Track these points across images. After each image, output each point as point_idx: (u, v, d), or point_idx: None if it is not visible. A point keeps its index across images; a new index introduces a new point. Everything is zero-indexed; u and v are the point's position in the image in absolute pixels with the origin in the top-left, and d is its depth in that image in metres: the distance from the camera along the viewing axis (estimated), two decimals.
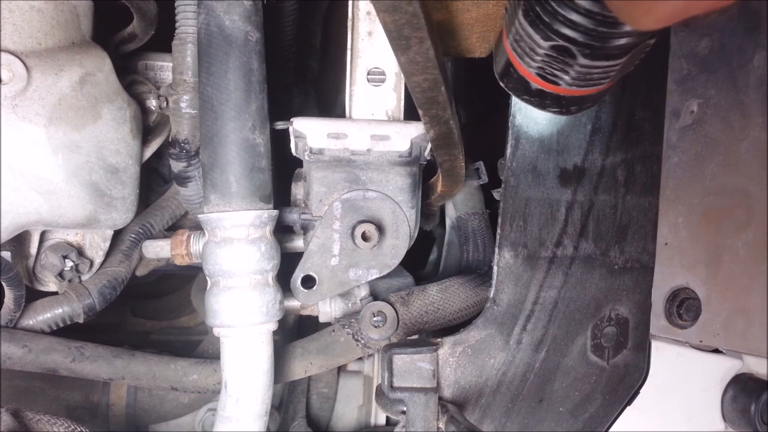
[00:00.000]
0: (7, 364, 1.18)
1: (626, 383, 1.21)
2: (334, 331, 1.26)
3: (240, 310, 1.09)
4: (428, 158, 1.18)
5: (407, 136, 1.14)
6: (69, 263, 1.24)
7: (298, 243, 1.24)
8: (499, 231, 1.17)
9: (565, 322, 1.20)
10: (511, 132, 1.16)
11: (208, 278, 1.12)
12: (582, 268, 1.20)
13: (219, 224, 1.08)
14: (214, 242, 1.09)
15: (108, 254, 1.31)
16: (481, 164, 1.42)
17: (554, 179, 1.18)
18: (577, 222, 1.19)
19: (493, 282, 1.18)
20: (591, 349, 1.21)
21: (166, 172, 1.46)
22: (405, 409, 1.09)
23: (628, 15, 0.60)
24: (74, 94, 1.10)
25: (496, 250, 1.17)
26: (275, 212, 1.12)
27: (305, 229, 1.20)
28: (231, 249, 1.08)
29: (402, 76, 1.15)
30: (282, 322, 1.17)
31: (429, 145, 1.12)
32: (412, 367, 1.10)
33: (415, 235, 1.21)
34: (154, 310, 1.88)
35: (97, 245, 1.29)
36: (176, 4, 1.16)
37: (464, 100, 1.63)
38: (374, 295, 1.29)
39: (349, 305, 1.28)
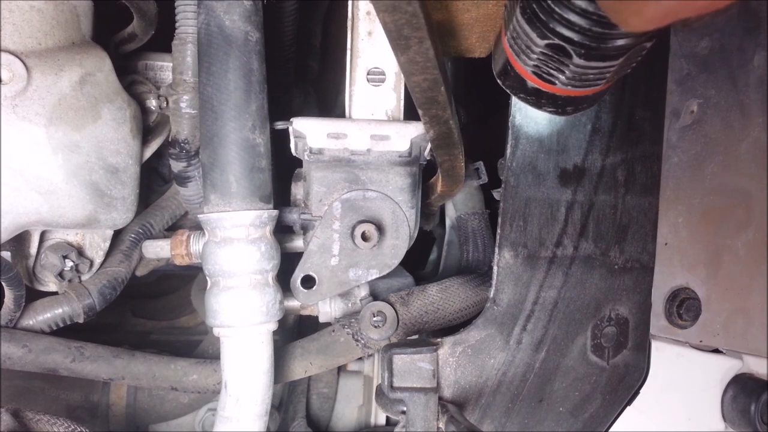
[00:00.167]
0: (7, 364, 1.18)
1: (626, 383, 1.21)
2: (334, 331, 1.26)
3: (240, 310, 1.09)
4: (428, 158, 1.18)
5: (407, 136, 1.14)
6: (69, 263, 1.24)
7: (298, 243, 1.24)
8: (499, 231, 1.17)
9: (565, 322, 1.20)
10: (511, 132, 1.16)
11: (208, 278, 1.12)
12: (582, 268, 1.20)
13: (219, 224, 1.08)
14: (214, 242, 1.09)
15: (108, 254, 1.31)
16: (481, 164, 1.42)
17: (554, 179, 1.18)
18: (577, 222, 1.19)
19: (493, 282, 1.18)
20: (591, 349, 1.21)
21: (166, 172, 1.46)
22: (405, 409, 1.09)
23: (618, 16, 0.60)
24: (74, 94, 1.10)
25: (496, 250, 1.17)
26: (275, 212, 1.12)
27: (305, 229, 1.20)
28: (231, 249, 1.08)
29: (402, 75, 1.15)
30: (282, 322, 1.17)
31: (429, 145, 1.12)
32: (412, 367, 1.10)
33: (415, 235, 1.21)
34: (154, 310, 1.88)
35: (97, 245, 1.29)
36: (176, 4, 1.16)
37: (464, 100, 1.63)
38: (374, 295, 1.29)
39: (349, 305, 1.28)
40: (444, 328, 1.28)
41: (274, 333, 1.14)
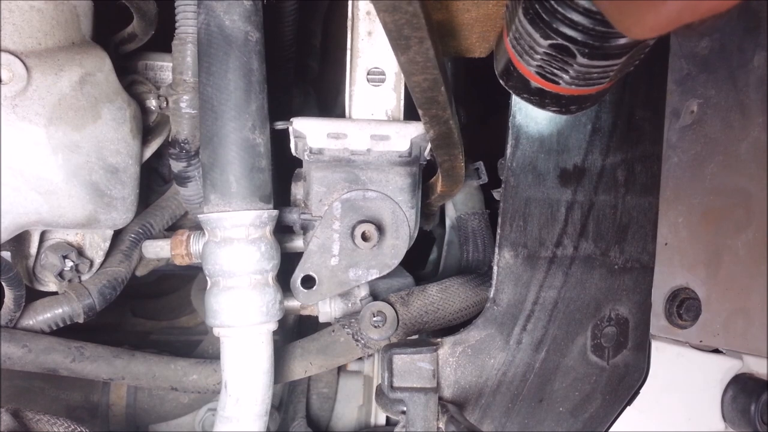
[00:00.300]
0: (7, 364, 1.18)
1: (626, 383, 1.21)
2: (333, 331, 1.26)
3: (240, 310, 1.08)
4: (428, 158, 1.18)
5: (407, 136, 1.14)
6: (69, 263, 1.24)
7: (298, 243, 1.24)
8: (499, 231, 1.17)
9: (565, 322, 1.20)
10: (511, 132, 1.16)
11: (208, 278, 1.12)
12: (582, 268, 1.20)
13: (219, 224, 1.08)
14: (214, 242, 1.09)
15: (108, 254, 1.31)
16: (481, 164, 1.42)
17: (554, 179, 1.18)
18: (577, 222, 1.19)
19: (493, 282, 1.18)
20: (591, 349, 1.21)
21: (166, 172, 1.46)
22: (405, 409, 1.09)
23: (621, 24, 0.60)
24: (74, 94, 1.10)
25: (496, 250, 1.17)
26: (275, 212, 1.12)
27: (305, 229, 1.20)
28: (231, 249, 1.08)
29: (402, 75, 1.15)
30: (282, 322, 1.17)
31: (429, 145, 1.12)
32: (412, 367, 1.10)
33: (415, 235, 1.21)
34: (154, 310, 1.88)
35: (97, 245, 1.29)
36: (176, 4, 1.16)
37: (464, 100, 1.63)
38: (374, 295, 1.29)
39: (349, 305, 1.28)
40: (444, 328, 1.28)
41: (274, 333, 1.14)
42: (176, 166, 1.26)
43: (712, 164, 1.03)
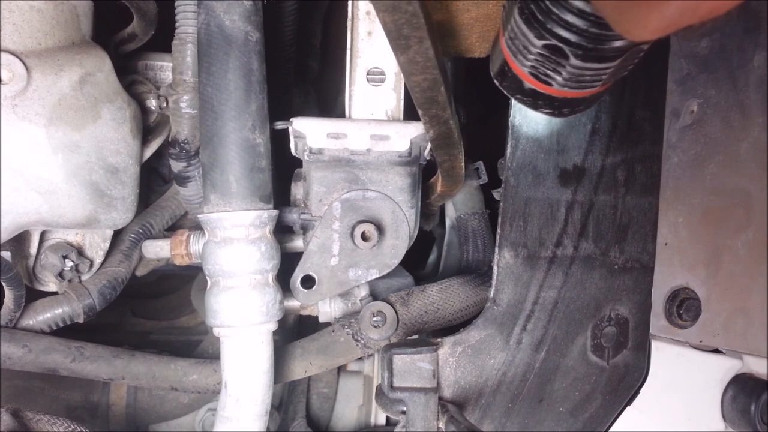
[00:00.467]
0: (7, 364, 1.18)
1: (626, 383, 1.21)
2: (333, 331, 1.26)
3: (240, 310, 1.08)
4: (428, 158, 1.18)
5: (407, 136, 1.14)
6: (69, 263, 1.24)
7: (297, 243, 1.24)
8: (499, 231, 1.17)
9: (565, 322, 1.20)
10: (511, 132, 1.16)
11: (208, 278, 1.12)
12: (582, 268, 1.20)
13: (219, 224, 1.08)
14: (214, 242, 1.09)
15: (108, 254, 1.31)
16: (480, 164, 1.42)
17: (554, 179, 1.18)
18: (577, 222, 1.19)
19: (493, 282, 1.18)
20: (591, 349, 1.21)
21: (166, 172, 1.46)
22: (405, 409, 1.09)
23: (621, 26, 0.59)
24: (74, 94, 1.10)
25: (496, 250, 1.17)
26: (275, 212, 1.12)
27: (305, 229, 1.20)
28: (231, 249, 1.08)
29: (402, 75, 1.15)
30: (282, 322, 1.17)
31: (429, 145, 1.12)
32: (412, 367, 1.10)
33: (415, 235, 1.21)
34: (154, 310, 1.88)
35: (97, 245, 1.29)
36: (176, 4, 1.16)
37: (464, 100, 1.63)
38: (374, 295, 1.29)
39: (349, 305, 1.28)
40: (444, 328, 1.28)
41: (274, 333, 1.14)
42: (176, 166, 1.26)
43: (712, 164, 1.03)
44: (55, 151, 1.07)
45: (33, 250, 1.23)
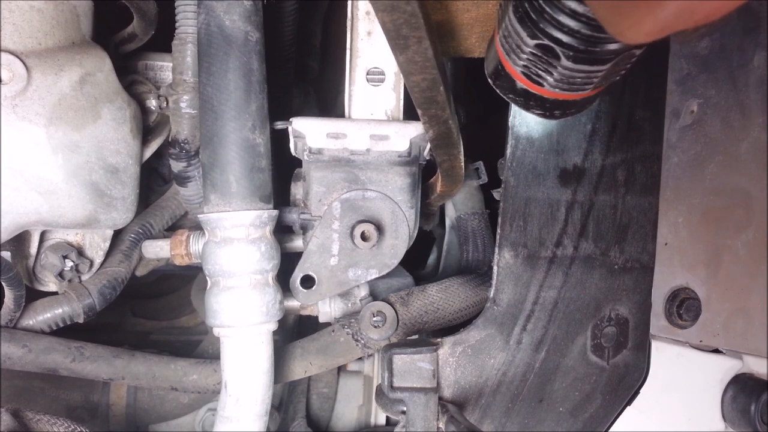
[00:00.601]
0: (7, 364, 1.18)
1: (626, 383, 1.21)
2: (333, 331, 1.26)
3: (240, 310, 1.09)
4: (427, 158, 1.18)
5: (406, 135, 1.14)
6: (69, 263, 1.24)
7: (297, 243, 1.24)
8: (499, 231, 1.17)
9: (565, 322, 1.20)
10: (511, 132, 1.16)
11: (208, 278, 1.12)
12: (582, 268, 1.20)
13: (219, 224, 1.08)
14: (214, 242, 1.09)
15: (108, 254, 1.31)
16: (480, 164, 1.42)
17: (554, 179, 1.18)
18: (577, 222, 1.19)
19: (493, 282, 1.18)
20: (591, 349, 1.21)
21: (166, 172, 1.46)
22: (405, 409, 1.09)
23: (615, 28, 0.59)
24: (74, 94, 1.10)
25: (496, 250, 1.17)
26: (275, 212, 1.12)
27: (304, 229, 1.20)
28: (231, 249, 1.08)
29: (401, 75, 1.15)
30: (282, 322, 1.17)
31: (428, 145, 1.12)
32: (412, 367, 1.10)
33: (415, 234, 1.21)
34: (154, 310, 1.88)
35: (97, 245, 1.29)
36: (176, 4, 1.16)
37: (464, 100, 1.63)
38: (374, 295, 1.29)
39: (349, 305, 1.28)
40: (444, 328, 1.28)
41: (274, 333, 1.14)
42: (176, 166, 1.26)
43: (712, 164, 1.03)
44: (55, 151, 1.08)
45: (33, 250, 1.23)
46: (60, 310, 1.22)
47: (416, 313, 1.21)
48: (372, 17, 1.15)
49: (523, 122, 1.15)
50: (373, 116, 1.18)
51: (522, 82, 0.84)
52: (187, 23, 1.16)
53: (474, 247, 1.44)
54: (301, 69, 1.56)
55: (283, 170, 1.25)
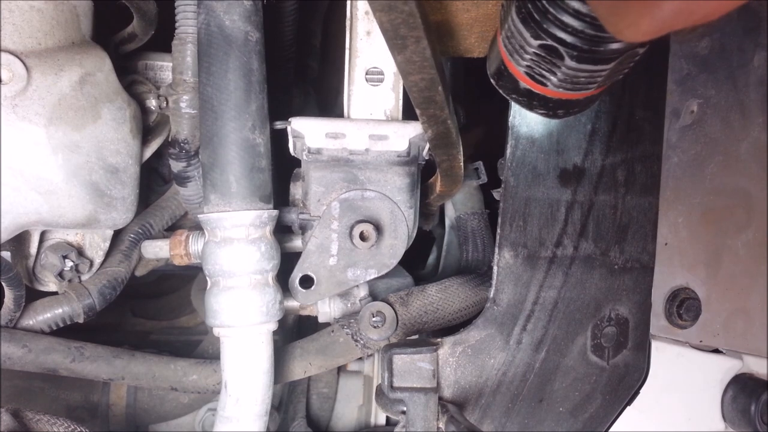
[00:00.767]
0: (7, 364, 1.18)
1: (626, 383, 1.21)
2: (333, 331, 1.26)
3: (240, 310, 1.09)
4: (427, 158, 1.18)
5: (405, 135, 1.14)
6: (69, 263, 1.24)
7: (297, 243, 1.24)
8: (499, 231, 1.17)
9: (565, 322, 1.20)
10: (511, 132, 1.16)
11: (208, 278, 1.12)
12: (582, 268, 1.20)
13: (219, 224, 1.08)
14: (214, 242, 1.09)
15: (107, 254, 1.31)
16: (480, 164, 1.42)
17: (554, 179, 1.18)
18: (577, 222, 1.19)
19: (493, 282, 1.18)
20: (591, 349, 1.21)
21: (166, 172, 1.46)
22: (405, 409, 1.09)
23: (614, 27, 0.60)
24: (74, 94, 1.10)
25: (496, 250, 1.17)
26: (275, 212, 1.12)
27: (303, 229, 1.20)
28: (231, 249, 1.08)
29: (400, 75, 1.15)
30: (281, 323, 1.17)
31: (427, 145, 1.12)
32: (412, 367, 1.10)
33: (414, 234, 1.21)
34: (154, 310, 1.88)
35: (97, 245, 1.29)
36: (176, 4, 1.16)
37: (465, 99, 1.63)
38: (373, 296, 1.29)
39: (349, 305, 1.28)
40: (444, 328, 1.28)
41: (274, 333, 1.14)
42: (176, 166, 1.26)
43: (712, 164, 1.03)
44: (55, 151, 1.08)
45: (33, 250, 1.23)
46: (60, 310, 1.22)
47: (416, 314, 1.21)
48: (371, 17, 1.15)
49: (523, 122, 1.15)
50: (372, 116, 1.18)
51: (525, 83, 0.84)
52: (187, 23, 1.16)
53: (473, 247, 1.44)
54: (301, 69, 1.56)
55: (282, 170, 1.25)
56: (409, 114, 1.10)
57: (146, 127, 1.31)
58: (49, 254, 1.23)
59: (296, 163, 1.21)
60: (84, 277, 1.28)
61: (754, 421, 1.00)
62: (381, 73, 1.17)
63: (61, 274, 1.24)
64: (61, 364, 1.21)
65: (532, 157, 1.17)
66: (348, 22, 1.16)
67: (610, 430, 1.20)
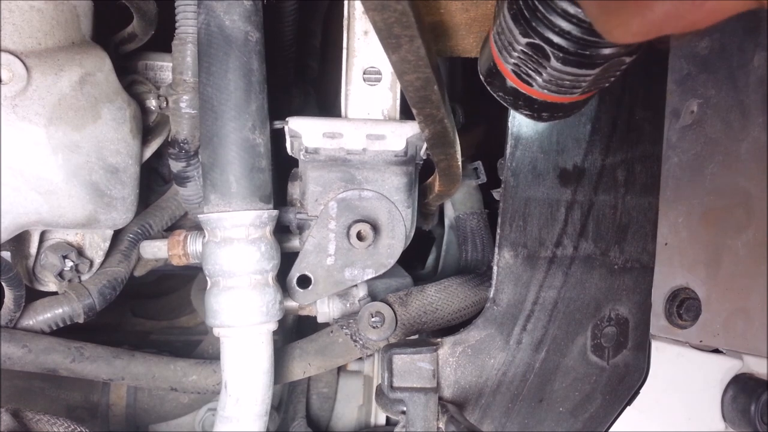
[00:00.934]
0: (7, 364, 1.18)
1: (626, 383, 1.21)
2: (332, 331, 1.26)
3: (240, 310, 1.09)
4: (424, 158, 1.18)
5: (403, 135, 1.14)
6: (69, 263, 1.24)
7: (295, 243, 1.24)
8: (498, 231, 1.17)
9: (565, 322, 1.20)
10: (510, 132, 1.16)
11: (208, 278, 1.12)
12: (582, 268, 1.20)
13: (219, 224, 1.08)
14: (214, 242, 1.09)
15: (107, 254, 1.31)
16: (479, 164, 1.42)
17: (554, 179, 1.18)
18: (577, 222, 1.19)
19: (493, 282, 1.18)
20: (591, 349, 1.21)
21: (166, 172, 1.47)
22: (405, 409, 1.09)
23: (604, 26, 0.60)
24: (74, 94, 1.10)
25: (496, 250, 1.17)
26: (275, 212, 1.12)
27: (301, 228, 1.20)
28: (231, 249, 1.08)
29: None
30: (281, 323, 1.17)
31: (425, 145, 1.12)
32: (412, 367, 1.10)
33: (411, 234, 1.21)
34: (154, 310, 1.88)
35: (96, 245, 1.29)
36: (176, 4, 1.16)
37: (465, 99, 1.63)
38: (373, 296, 1.29)
39: (348, 305, 1.28)
40: (443, 328, 1.28)
41: (274, 333, 1.14)
42: (175, 166, 1.26)
43: (712, 164, 1.02)
44: (55, 151, 1.08)
45: (33, 250, 1.23)
46: (60, 310, 1.22)
47: (415, 314, 1.21)
48: None
49: (523, 122, 1.15)
50: (369, 116, 1.18)
51: (512, 81, 0.84)
52: (187, 23, 1.17)
53: (473, 247, 1.44)
54: (301, 69, 1.56)
55: (281, 170, 1.25)
56: (406, 113, 1.10)
57: (146, 127, 1.31)
58: (49, 254, 1.23)
59: (294, 162, 1.21)
60: (84, 277, 1.28)
61: (754, 421, 1.00)
62: (378, 72, 1.17)
63: (61, 274, 1.24)
64: (61, 364, 1.21)
65: (532, 157, 1.17)
66: (345, 22, 1.16)
67: (610, 430, 1.20)
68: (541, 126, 1.16)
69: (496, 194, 1.28)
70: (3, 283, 1.13)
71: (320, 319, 1.31)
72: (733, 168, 0.99)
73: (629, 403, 1.18)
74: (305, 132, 1.13)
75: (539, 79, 0.80)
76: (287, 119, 1.14)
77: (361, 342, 1.24)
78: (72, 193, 1.12)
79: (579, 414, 1.22)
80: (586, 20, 0.68)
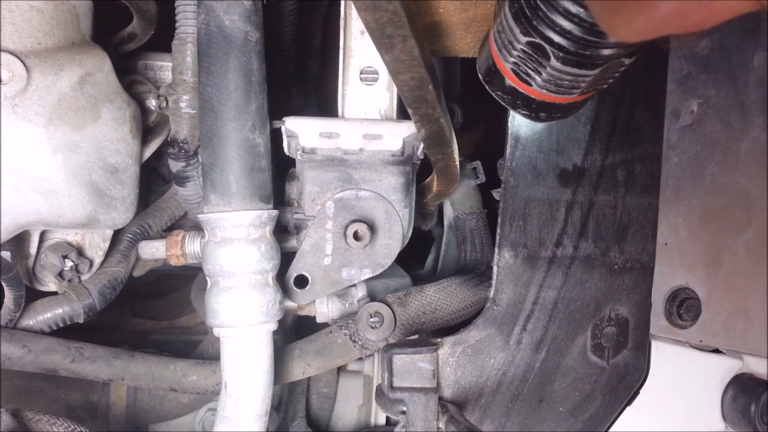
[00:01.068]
0: (7, 364, 1.18)
1: (626, 383, 1.21)
2: (331, 332, 1.26)
3: (240, 310, 1.08)
4: (421, 157, 1.18)
5: (399, 135, 1.14)
6: (69, 263, 1.24)
7: (292, 243, 1.24)
8: (498, 231, 1.17)
9: (565, 322, 1.20)
10: (510, 132, 1.16)
11: (208, 278, 1.12)
12: (582, 268, 1.20)
13: (219, 224, 1.08)
14: (214, 242, 1.09)
15: (107, 254, 1.31)
16: (478, 164, 1.42)
17: (554, 179, 1.18)
18: (577, 222, 1.19)
19: (493, 282, 1.18)
20: (591, 349, 1.21)
21: (166, 172, 1.47)
22: (405, 409, 1.09)
23: (607, 24, 0.60)
24: (74, 94, 1.10)
25: (496, 250, 1.17)
26: (275, 212, 1.12)
27: (298, 228, 1.20)
28: (231, 249, 1.08)
29: None
30: (281, 323, 1.17)
31: (422, 144, 1.12)
32: (412, 367, 1.10)
33: (409, 234, 1.21)
34: (154, 310, 1.88)
35: (96, 245, 1.29)
36: (176, 4, 1.16)
37: (465, 99, 1.63)
38: (372, 296, 1.29)
39: (347, 306, 1.28)
40: (442, 328, 1.28)
41: (274, 333, 1.14)
42: (175, 165, 1.26)
43: (712, 164, 1.02)
44: (55, 151, 1.08)
45: (33, 250, 1.23)
46: (60, 310, 1.22)
47: (414, 314, 1.21)
48: None
49: (523, 122, 1.15)
50: (366, 115, 1.18)
51: (511, 80, 0.84)
52: (187, 23, 1.17)
53: (472, 247, 1.44)
54: (301, 69, 1.56)
55: (280, 170, 1.25)
56: (404, 113, 1.10)
57: (146, 127, 1.31)
58: (49, 254, 1.23)
59: (292, 162, 1.21)
60: (84, 277, 1.28)
61: (754, 421, 1.00)
62: (375, 72, 1.17)
63: (61, 274, 1.24)
64: (61, 365, 1.21)
65: (532, 157, 1.17)
66: (342, 22, 1.16)
67: (610, 430, 1.20)
68: (540, 126, 1.16)
69: (495, 194, 1.28)
70: (3, 283, 1.13)
71: (319, 320, 1.30)
72: (733, 168, 0.99)
73: (629, 403, 1.18)
74: (302, 132, 1.14)
75: (538, 79, 0.80)
76: (284, 119, 1.14)
77: (360, 342, 1.24)
78: (72, 193, 1.12)
79: (579, 414, 1.22)
80: (587, 20, 0.68)
